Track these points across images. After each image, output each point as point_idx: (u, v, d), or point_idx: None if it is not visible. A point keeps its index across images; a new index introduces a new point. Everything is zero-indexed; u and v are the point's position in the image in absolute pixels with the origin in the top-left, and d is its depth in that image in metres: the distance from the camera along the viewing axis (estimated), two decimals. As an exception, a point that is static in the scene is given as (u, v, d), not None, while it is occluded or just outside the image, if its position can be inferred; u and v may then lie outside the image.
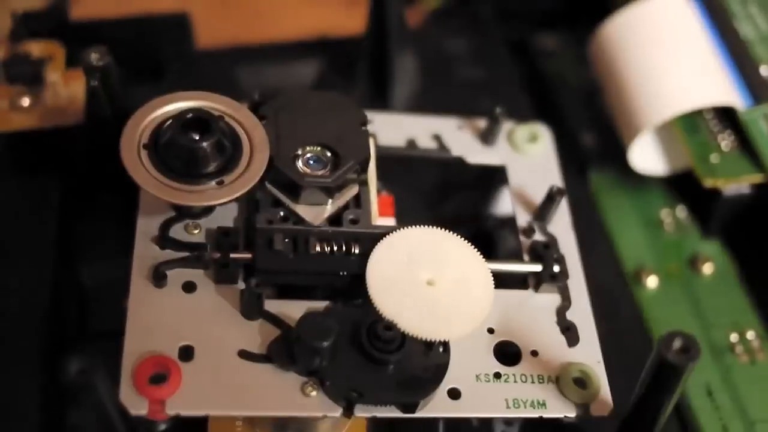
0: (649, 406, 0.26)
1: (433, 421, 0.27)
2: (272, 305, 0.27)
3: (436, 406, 0.26)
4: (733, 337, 0.33)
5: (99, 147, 0.30)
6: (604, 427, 0.27)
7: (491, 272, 0.27)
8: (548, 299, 0.29)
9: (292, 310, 0.27)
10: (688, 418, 0.31)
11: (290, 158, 0.28)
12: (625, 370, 0.27)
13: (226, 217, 0.28)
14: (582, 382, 0.27)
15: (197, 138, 0.26)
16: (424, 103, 0.36)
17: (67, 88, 0.33)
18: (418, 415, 0.26)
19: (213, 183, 0.26)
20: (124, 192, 0.28)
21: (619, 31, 0.36)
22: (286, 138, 0.28)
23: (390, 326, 0.25)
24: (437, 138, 0.32)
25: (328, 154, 0.28)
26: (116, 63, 0.29)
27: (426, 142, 0.32)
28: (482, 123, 0.33)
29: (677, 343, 0.24)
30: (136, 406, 0.24)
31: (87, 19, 0.38)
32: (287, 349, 0.25)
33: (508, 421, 0.29)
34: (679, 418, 0.31)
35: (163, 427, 0.27)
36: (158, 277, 0.26)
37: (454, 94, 0.39)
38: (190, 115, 0.26)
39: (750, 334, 0.33)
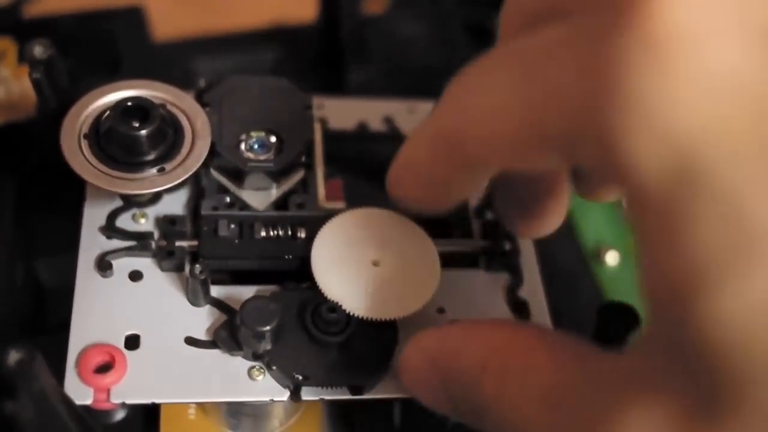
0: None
1: (387, 401, 0.27)
2: (221, 291, 0.27)
3: (386, 387, 0.26)
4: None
5: (50, 141, 0.30)
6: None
7: (439, 251, 0.27)
8: (499, 277, 0.29)
9: (241, 295, 0.26)
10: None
11: (234, 144, 0.28)
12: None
13: (174, 205, 0.28)
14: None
15: (137, 125, 0.26)
16: (383, 89, 0.36)
17: (19, 84, 0.33)
18: (367, 396, 0.26)
19: (154, 170, 0.26)
20: (79, 185, 0.28)
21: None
22: (229, 124, 0.28)
23: (334, 308, 0.25)
24: (389, 121, 0.32)
25: (272, 138, 0.28)
26: (73, 57, 0.29)
27: (377, 126, 0.32)
28: (433, 106, 0.33)
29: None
30: (81, 395, 0.24)
31: (42, 15, 0.38)
32: (233, 335, 0.25)
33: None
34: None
35: (117, 417, 0.27)
36: (103, 267, 0.26)
37: (415, 79, 0.38)
38: (129, 103, 0.26)
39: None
